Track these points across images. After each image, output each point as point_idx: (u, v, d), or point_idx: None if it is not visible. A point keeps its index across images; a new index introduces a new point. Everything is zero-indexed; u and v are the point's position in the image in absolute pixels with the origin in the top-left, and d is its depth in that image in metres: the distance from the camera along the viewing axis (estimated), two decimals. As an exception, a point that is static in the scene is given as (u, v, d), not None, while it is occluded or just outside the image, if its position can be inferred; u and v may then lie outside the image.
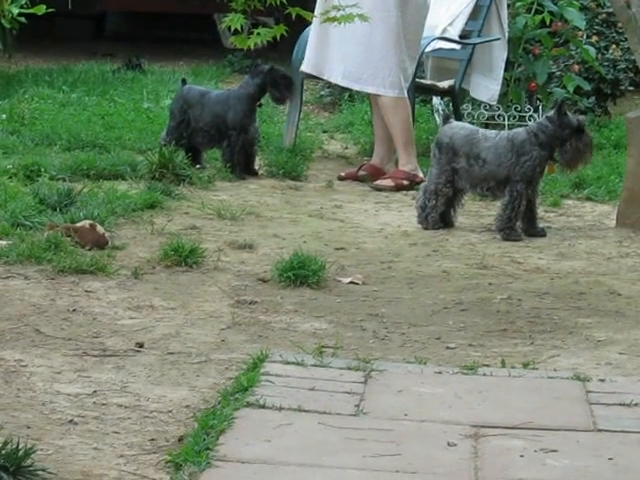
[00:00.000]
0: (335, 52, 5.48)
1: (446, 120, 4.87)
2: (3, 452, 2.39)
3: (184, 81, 5.77)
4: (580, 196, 5.37)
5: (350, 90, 6.76)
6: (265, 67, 5.55)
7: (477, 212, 5.14)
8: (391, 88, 5.44)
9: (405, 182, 5.46)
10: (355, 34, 5.23)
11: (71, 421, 2.72)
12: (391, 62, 5.40)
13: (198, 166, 5.49)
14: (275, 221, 4.78)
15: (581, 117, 4.82)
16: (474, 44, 5.97)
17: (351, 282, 3.98)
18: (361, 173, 5.58)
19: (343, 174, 5.63)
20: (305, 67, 5.65)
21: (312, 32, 5.60)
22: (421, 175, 5.44)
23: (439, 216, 4.79)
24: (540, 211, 4.92)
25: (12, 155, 5.39)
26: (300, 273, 3.86)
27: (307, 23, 5.82)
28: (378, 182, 5.48)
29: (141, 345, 3.26)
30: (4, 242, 4.04)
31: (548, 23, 6.29)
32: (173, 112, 5.64)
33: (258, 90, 5.52)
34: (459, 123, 5.00)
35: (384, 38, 5.38)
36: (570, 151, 4.69)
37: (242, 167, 5.47)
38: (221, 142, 5.51)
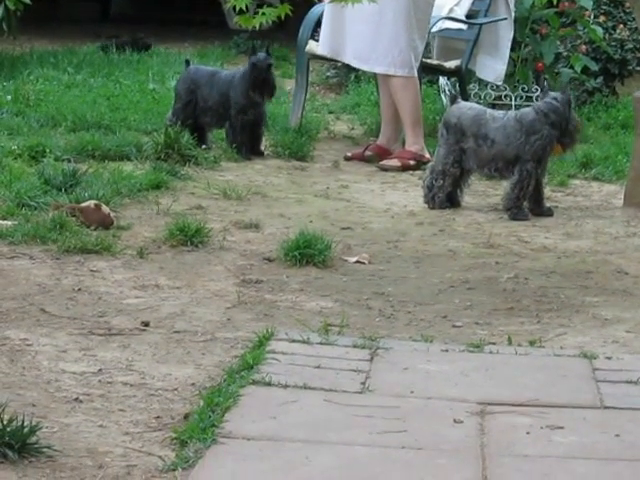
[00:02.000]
0: (347, 33, 5.46)
1: (454, 100, 4.85)
2: (8, 430, 2.39)
3: (187, 62, 5.74)
4: (587, 176, 5.35)
5: (357, 71, 6.73)
6: (256, 59, 5.43)
7: (484, 192, 5.12)
8: (401, 67, 5.41)
9: (412, 162, 5.44)
10: (365, 13, 5.21)
11: (76, 399, 2.71)
12: (402, 41, 5.38)
13: (204, 146, 5.48)
14: (281, 201, 4.77)
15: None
16: (481, 24, 5.94)
17: (357, 261, 3.97)
18: (367, 153, 5.56)
19: (349, 154, 5.61)
20: (322, 50, 5.63)
21: (325, 14, 5.58)
22: (428, 155, 5.42)
23: (446, 196, 4.77)
24: (547, 191, 4.91)
25: (17, 136, 5.38)
26: (306, 252, 3.85)
27: (312, 3, 5.80)
28: (384, 162, 5.45)
29: (147, 324, 3.25)
30: (9, 222, 4.03)
31: (555, 3, 6.24)
32: (179, 93, 5.61)
33: (248, 77, 5.45)
34: (467, 103, 4.97)
35: (394, 16, 5.35)
36: (573, 130, 4.70)
37: (247, 147, 5.45)
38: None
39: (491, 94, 6.26)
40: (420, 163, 5.40)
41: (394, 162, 5.43)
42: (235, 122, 5.39)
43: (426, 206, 4.80)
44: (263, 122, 5.50)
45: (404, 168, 5.41)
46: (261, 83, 5.38)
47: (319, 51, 5.72)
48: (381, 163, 5.45)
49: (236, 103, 5.41)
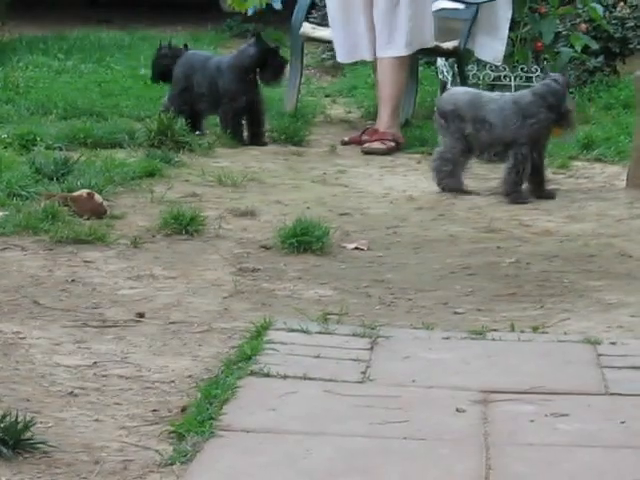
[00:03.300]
0: (362, 28, 5.39)
1: (444, 88, 4.79)
2: (2, 425, 2.35)
3: (186, 46, 5.65)
4: (589, 157, 5.29)
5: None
6: (263, 45, 5.36)
7: (484, 175, 5.06)
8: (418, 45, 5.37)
9: (393, 144, 5.40)
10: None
11: (71, 393, 2.67)
12: (428, 17, 5.33)
13: (198, 133, 5.41)
14: (277, 187, 4.72)
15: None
16: (478, 3, 5.86)
17: (356, 248, 3.92)
18: (365, 138, 5.50)
19: (346, 139, 5.55)
20: (345, 57, 5.56)
21: (336, 22, 5.48)
22: (400, 135, 5.35)
23: (454, 181, 4.71)
24: (548, 173, 4.85)
25: (7, 124, 5.31)
26: (303, 239, 3.80)
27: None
28: (367, 145, 5.39)
29: (142, 315, 3.20)
30: (0, 213, 3.97)
31: (554, -20, 6.17)
32: (177, 78, 5.52)
33: (251, 63, 5.36)
34: (459, 88, 4.92)
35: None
36: (567, 113, 4.64)
37: (240, 134, 5.37)
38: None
39: (490, 75, 6.19)
40: (399, 144, 5.37)
41: (378, 145, 5.38)
42: (227, 109, 5.32)
43: (425, 190, 4.74)
44: (261, 109, 5.39)
45: (389, 150, 5.36)
46: (277, 68, 5.32)
47: (339, 60, 5.65)
48: (365, 146, 5.38)
49: (226, 90, 5.33)
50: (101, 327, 3.10)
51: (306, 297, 3.42)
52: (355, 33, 5.43)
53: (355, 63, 7.13)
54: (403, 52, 5.38)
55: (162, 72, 5.56)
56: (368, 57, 5.56)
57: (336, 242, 3.92)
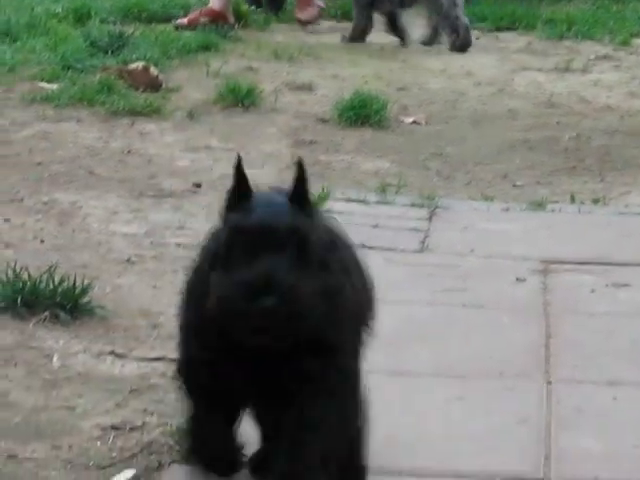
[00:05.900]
0: None
1: None
2: (60, 290, 2.35)
3: None
4: (651, 34, 5.11)
5: None
6: None
7: (544, 51, 4.91)
8: None
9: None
10: None
11: (128, 260, 2.66)
12: None
13: (253, 7, 5.30)
14: (334, 62, 4.62)
15: None
16: None
17: (414, 122, 3.85)
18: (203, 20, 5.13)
19: (184, 21, 5.14)
20: None
21: None
22: None
23: None
24: (609, 49, 4.71)
25: (60, -2, 5.26)
26: (361, 112, 3.74)
27: None
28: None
29: (198, 185, 3.18)
30: (54, 85, 3.94)
31: None
32: None
33: None
34: None
35: None
36: None
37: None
38: None
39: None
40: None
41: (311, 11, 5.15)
42: None
43: (484, 65, 4.64)
44: None
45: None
46: None
47: None
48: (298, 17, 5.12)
49: None
50: (158, 197, 3.09)
51: (364, 169, 3.38)
52: None
53: None
54: None
55: None
56: None
57: (394, 116, 3.86)
